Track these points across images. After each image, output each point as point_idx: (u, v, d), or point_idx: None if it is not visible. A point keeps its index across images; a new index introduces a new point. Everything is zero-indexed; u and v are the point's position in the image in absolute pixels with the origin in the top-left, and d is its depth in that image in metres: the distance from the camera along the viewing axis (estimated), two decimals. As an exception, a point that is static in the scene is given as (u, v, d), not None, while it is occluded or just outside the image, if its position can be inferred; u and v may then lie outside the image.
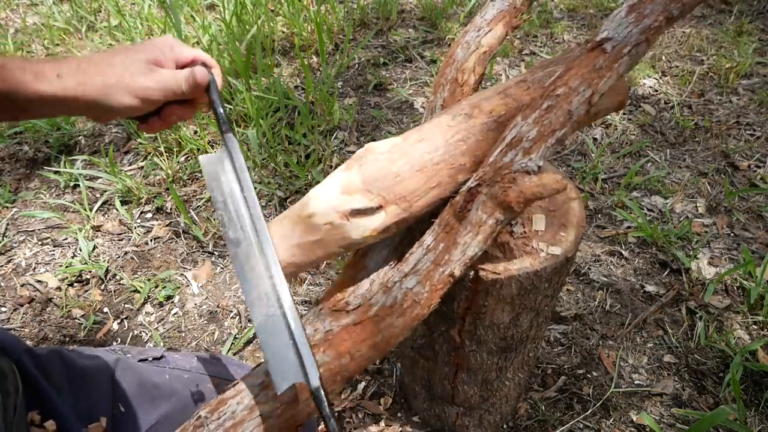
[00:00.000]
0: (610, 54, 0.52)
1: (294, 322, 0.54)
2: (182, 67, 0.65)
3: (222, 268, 1.62)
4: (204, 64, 0.64)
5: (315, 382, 0.52)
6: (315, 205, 0.61)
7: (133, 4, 2.97)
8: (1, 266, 1.62)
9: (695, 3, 0.50)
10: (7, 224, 1.74)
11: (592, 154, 1.94)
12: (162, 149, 1.93)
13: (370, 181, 0.62)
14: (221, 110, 0.63)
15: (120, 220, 1.76)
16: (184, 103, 0.66)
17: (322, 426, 0.93)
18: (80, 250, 1.63)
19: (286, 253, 0.61)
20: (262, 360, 0.62)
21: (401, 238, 0.75)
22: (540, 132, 0.54)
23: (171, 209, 1.79)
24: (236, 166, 0.60)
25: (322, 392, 0.52)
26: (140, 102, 0.60)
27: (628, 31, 0.52)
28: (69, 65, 0.59)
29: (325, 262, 1.45)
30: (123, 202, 1.80)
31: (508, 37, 0.90)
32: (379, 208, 0.61)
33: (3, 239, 1.68)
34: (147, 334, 1.45)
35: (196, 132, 2.03)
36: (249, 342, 1.42)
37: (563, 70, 0.55)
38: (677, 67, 2.43)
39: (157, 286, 1.56)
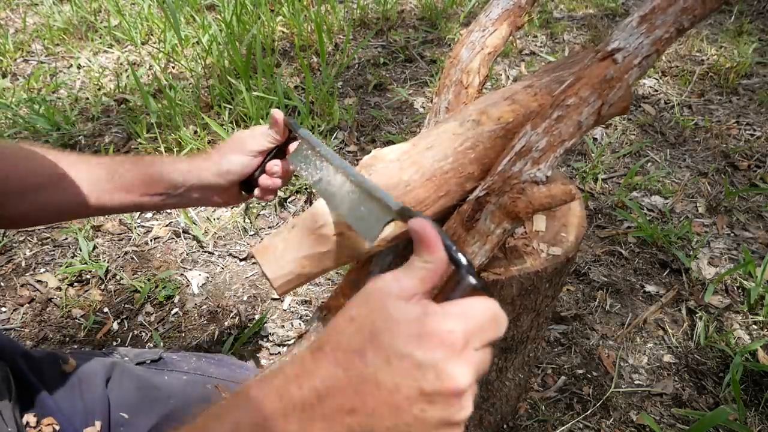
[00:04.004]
0: (620, 64, 0.52)
1: (367, 182, 0.58)
2: None
3: (222, 268, 1.61)
4: None
5: (395, 206, 0.53)
6: (325, 216, 0.61)
7: (133, 4, 2.96)
8: (1, 266, 1.61)
9: (706, 14, 0.50)
10: (7, 224, 1.74)
11: (592, 154, 1.94)
12: (162, 149, 1.92)
13: (380, 190, 0.61)
14: (294, 122, 0.77)
15: (120, 220, 1.75)
16: (281, 157, 0.81)
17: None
18: (80, 250, 1.63)
19: (295, 264, 0.60)
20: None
21: (405, 243, 0.75)
22: (549, 142, 0.54)
23: (171, 209, 1.78)
24: (312, 143, 0.71)
25: (405, 209, 0.53)
26: (249, 156, 0.78)
27: (639, 42, 0.52)
28: (193, 155, 0.81)
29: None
30: (123, 202, 1.79)
31: (510, 37, 0.90)
32: (389, 218, 0.60)
33: (3, 239, 1.68)
34: (147, 334, 1.44)
35: (196, 132, 2.02)
36: (249, 342, 1.42)
37: (573, 80, 0.55)
38: (677, 67, 2.43)
39: (157, 286, 1.55)
